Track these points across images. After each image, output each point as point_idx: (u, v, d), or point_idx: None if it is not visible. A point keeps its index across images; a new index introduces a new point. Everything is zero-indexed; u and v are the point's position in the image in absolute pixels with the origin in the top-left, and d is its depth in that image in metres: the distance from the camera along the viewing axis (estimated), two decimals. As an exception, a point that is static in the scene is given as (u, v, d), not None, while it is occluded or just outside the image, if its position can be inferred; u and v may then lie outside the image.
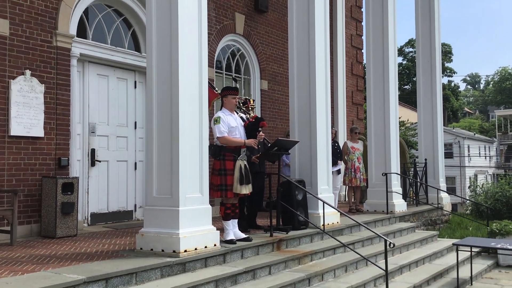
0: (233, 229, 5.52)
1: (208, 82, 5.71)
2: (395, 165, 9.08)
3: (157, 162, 4.96)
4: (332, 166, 8.21)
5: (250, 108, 6.69)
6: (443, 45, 47.47)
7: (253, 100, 7.18)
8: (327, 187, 7.11)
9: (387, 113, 9.08)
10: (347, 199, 10.70)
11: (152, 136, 5.03)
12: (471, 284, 6.72)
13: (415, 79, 39.43)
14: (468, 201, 13.47)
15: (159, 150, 4.97)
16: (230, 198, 5.51)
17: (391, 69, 9.16)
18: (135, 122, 7.85)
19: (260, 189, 6.55)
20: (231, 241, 5.34)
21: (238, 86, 7.12)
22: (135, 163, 7.81)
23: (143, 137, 7.78)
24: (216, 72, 9.22)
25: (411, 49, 47.11)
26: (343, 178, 9.35)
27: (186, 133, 4.90)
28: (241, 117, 6.01)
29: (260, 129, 5.81)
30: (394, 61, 9.29)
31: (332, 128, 8.09)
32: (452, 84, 51.72)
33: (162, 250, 4.72)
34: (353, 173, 9.11)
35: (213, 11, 8.96)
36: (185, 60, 4.93)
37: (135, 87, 7.87)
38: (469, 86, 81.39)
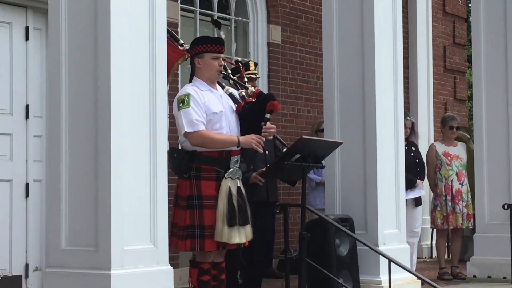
0: (215, 313, 5.57)
1: (168, 29, 5.69)
2: (528, 190, 9.06)
3: (68, 185, 4.97)
4: (407, 190, 8.20)
5: (247, 79, 6.68)
6: None
7: (255, 64, 7.19)
8: (397, 232, 7.16)
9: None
10: (434, 254, 10.63)
11: (59, 134, 5.04)
12: None
13: None
14: None
15: (72, 161, 4.98)
16: (209, 253, 5.53)
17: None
18: (27, 107, 7.85)
19: (267, 235, 6.56)
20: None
21: (223, 36, 7.11)
22: (27, 185, 7.82)
23: (42, 135, 7.81)
24: (182, 10, 9.21)
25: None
26: (431, 215, 9.35)
27: (124, 129, 4.92)
28: (231, 95, 6.00)
29: (267, 116, 5.78)
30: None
31: (405, 118, 8.09)
32: None
33: None
34: (449, 203, 9.08)
35: None
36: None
37: (27, 38, 7.89)
38: None
